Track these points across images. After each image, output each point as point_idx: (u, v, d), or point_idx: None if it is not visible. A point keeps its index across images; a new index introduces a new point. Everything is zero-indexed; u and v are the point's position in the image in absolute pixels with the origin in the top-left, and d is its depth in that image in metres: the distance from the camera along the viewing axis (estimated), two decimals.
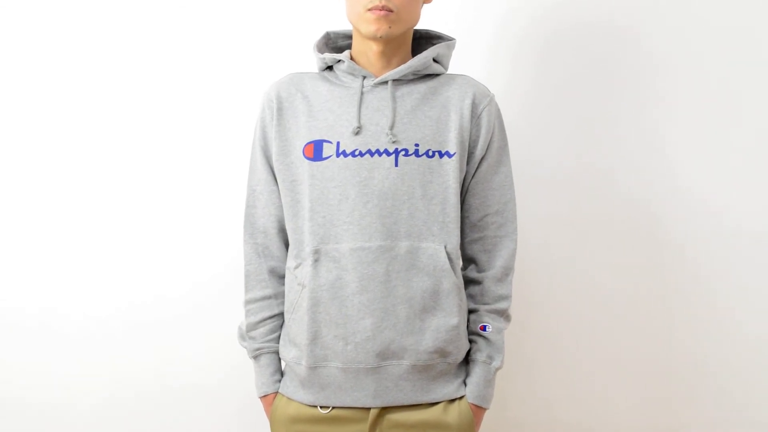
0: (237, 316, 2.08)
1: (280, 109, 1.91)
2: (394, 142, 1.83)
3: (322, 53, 1.95)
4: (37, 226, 2.39)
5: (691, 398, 2.45)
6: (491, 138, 1.91)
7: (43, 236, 2.40)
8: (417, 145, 1.84)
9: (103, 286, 2.41)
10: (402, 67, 1.87)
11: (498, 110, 1.94)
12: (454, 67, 2.03)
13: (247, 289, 1.96)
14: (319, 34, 1.99)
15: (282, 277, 1.95)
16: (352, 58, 1.93)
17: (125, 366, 2.41)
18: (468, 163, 1.91)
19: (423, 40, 2.02)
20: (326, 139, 1.85)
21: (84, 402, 2.41)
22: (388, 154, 1.83)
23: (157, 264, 2.41)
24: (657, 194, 2.42)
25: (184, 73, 2.39)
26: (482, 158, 1.91)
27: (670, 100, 2.40)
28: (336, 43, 2.02)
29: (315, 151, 1.86)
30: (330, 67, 1.95)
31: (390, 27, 1.81)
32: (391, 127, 1.84)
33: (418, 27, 2.02)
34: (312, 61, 2.02)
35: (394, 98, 1.87)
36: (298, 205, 1.88)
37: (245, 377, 2.18)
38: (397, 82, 1.88)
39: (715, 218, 2.42)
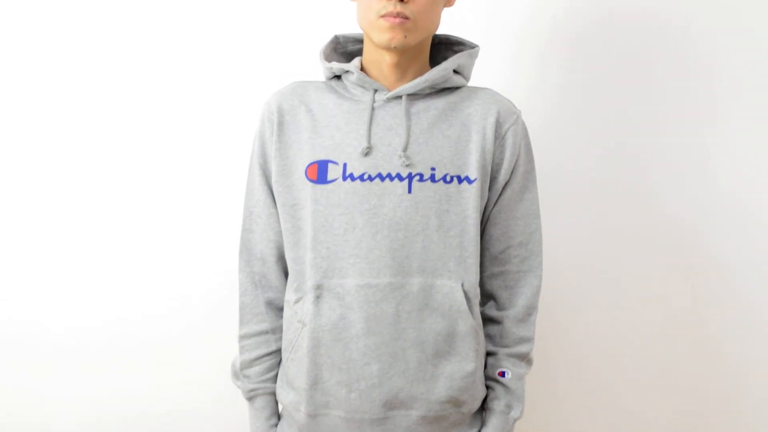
0: (232, 333, 1.87)
1: (281, 124, 1.71)
2: (407, 165, 1.63)
3: (329, 61, 1.74)
4: (21, 234, 2.20)
5: (726, 412, 2.28)
6: (516, 161, 1.71)
7: (28, 245, 2.21)
8: (433, 169, 1.64)
9: (90, 297, 2.21)
10: (418, 80, 1.66)
11: (525, 130, 1.74)
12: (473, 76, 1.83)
13: (241, 323, 1.77)
14: (327, 38, 1.78)
15: (281, 309, 1.76)
16: (362, 68, 1.72)
17: (112, 387, 2.23)
18: (490, 189, 1.70)
19: (442, 47, 1.81)
20: (332, 159, 1.65)
21: (68, 427, 2.23)
22: (401, 178, 1.63)
23: (148, 278, 2.22)
24: (700, 210, 2.22)
25: (183, 79, 2.18)
26: (506, 184, 1.71)
27: (723, 108, 2.19)
28: (346, 48, 1.81)
29: (319, 172, 1.66)
30: (338, 76, 1.75)
31: (406, 36, 1.60)
32: (405, 149, 1.63)
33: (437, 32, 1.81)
34: (319, 66, 1.81)
35: (408, 115, 1.66)
36: (299, 233, 1.68)
37: (239, 402, 1.99)
38: (413, 96, 1.68)
39: (759, 232, 2.21)
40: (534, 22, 2.17)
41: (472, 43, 1.78)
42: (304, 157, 1.68)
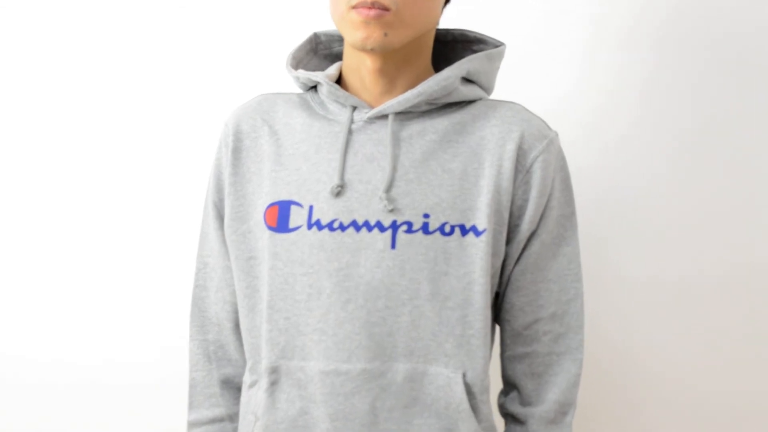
0: None
1: (237, 150, 1.31)
2: (391, 210, 1.20)
3: (300, 66, 1.32)
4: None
5: None
6: (548, 203, 1.25)
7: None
8: (427, 215, 1.20)
9: (84, 332, 1.86)
10: (409, 93, 1.22)
11: (561, 159, 1.27)
12: (517, 86, 1.36)
13: (191, 407, 1.37)
14: (302, 37, 1.36)
15: (240, 389, 1.36)
16: (340, 78, 1.30)
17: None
18: (510, 242, 1.25)
19: (459, 46, 1.36)
20: (295, 200, 1.24)
21: None
22: (382, 228, 1.20)
23: (143, 322, 1.86)
24: None
25: (178, 89, 1.81)
26: (532, 235, 1.26)
27: None
28: (330, 50, 1.39)
29: (280, 217, 1.25)
30: (316, 87, 1.33)
31: (386, 34, 1.16)
32: (388, 188, 1.20)
33: (450, 26, 1.36)
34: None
35: (396, 141, 1.23)
36: (255, 295, 1.28)
37: None
38: (403, 116, 1.25)
39: None
40: (611, 5, 1.68)
41: (496, 41, 1.33)
42: (263, 196, 1.27)
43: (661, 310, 1.73)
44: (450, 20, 1.40)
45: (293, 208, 1.24)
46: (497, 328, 1.34)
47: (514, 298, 1.27)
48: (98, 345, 1.85)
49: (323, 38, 1.37)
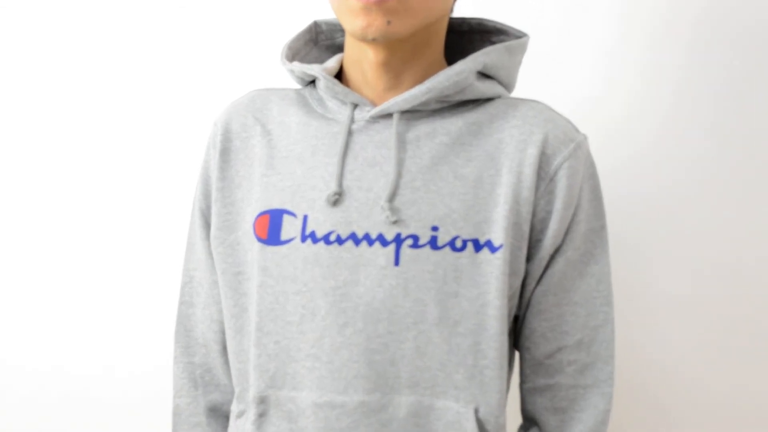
0: None
1: (226, 152, 1.17)
2: (394, 222, 1.05)
3: (296, 59, 1.18)
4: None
5: None
6: (574, 216, 1.10)
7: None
8: (435, 228, 1.05)
9: (80, 340, 1.73)
10: (417, 89, 1.08)
11: (590, 165, 1.12)
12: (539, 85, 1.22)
13: None
14: (301, 25, 1.22)
15: (228, 417, 1.22)
16: (341, 72, 1.15)
17: None
18: (530, 259, 1.10)
19: (477, 37, 1.21)
20: (288, 209, 1.10)
21: None
22: (384, 242, 1.05)
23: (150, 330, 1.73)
24: None
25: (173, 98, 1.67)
26: (557, 251, 1.10)
27: None
28: (333, 40, 1.25)
29: (271, 227, 1.11)
30: (315, 82, 1.19)
31: (389, 22, 1.01)
32: (391, 197, 1.06)
33: (466, 15, 1.21)
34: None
35: (402, 143, 1.08)
36: (243, 315, 1.14)
37: None
38: (410, 114, 1.10)
39: None
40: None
41: (519, 32, 1.17)
42: (253, 203, 1.13)
43: (701, 327, 1.56)
44: (466, 12, 1.25)
45: (286, 217, 1.10)
46: (517, 355, 1.19)
47: (535, 323, 1.12)
48: (96, 354, 1.73)
49: (324, 27, 1.22)
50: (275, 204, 1.11)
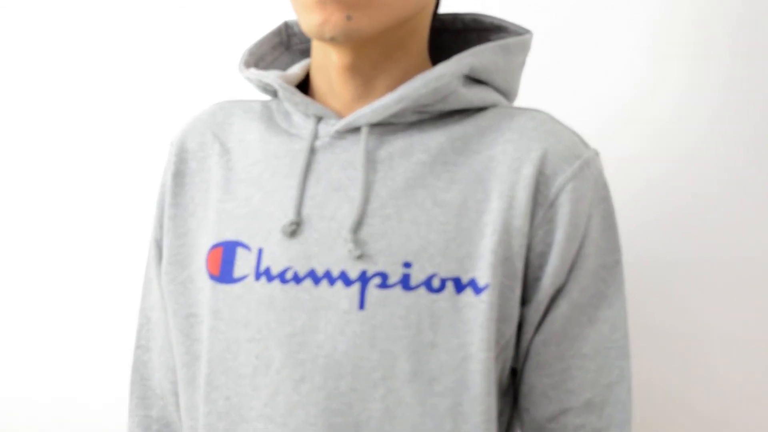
0: None
1: (179, 175, 1.01)
2: (359, 257, 0.88)
3: (252, 65, 1.01)
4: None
5: None
6: (581, 249, 0.90)
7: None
8: (408, 264, 0.87)
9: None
10: (388, 98, 0.90)
11: (600, 187, 0.92)
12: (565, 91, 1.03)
13: None
14: (266, 27, 1.06)
15: None
16: (306, 80, 0.99)
17: None
18: (527, 302, 0.91)
19: (474, 36, 1.03)
20: (242, 241, 0.93)
21: None
22: (348, 281, 0.88)
23: None
24: None
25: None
26: (559, 292, 0.91)
27: None
28: (308, 43, 1.08)
29: (223, 262, 0.95)
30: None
31: (349, 17, 0.84)
32: (356, 226, 0.88)
33: (458, 10, 1.03)
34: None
35: (371, 162, 0.91)
36: (195, 364, 0.98)
37: None
38: (383, 128, 0.92)
39: None
40: None
41: (520, 28, 0.99)
42: (207, 234, 0.97)
43: (759, 369, 1.33)
44: (472, 6, 1.08)
45: (239, 251, 0.93)
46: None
47: (535, 379, 0.93)
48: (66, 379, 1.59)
49: (297, 29, 1.06)
50: (229, 235, 0.94)
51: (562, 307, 0.90)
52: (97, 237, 1.54)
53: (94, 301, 1.55)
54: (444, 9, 1.19)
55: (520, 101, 1.10)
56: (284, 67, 1.05)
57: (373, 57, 0.91)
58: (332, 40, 0.85)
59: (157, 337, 1.06)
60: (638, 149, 1.28)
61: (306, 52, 1.07)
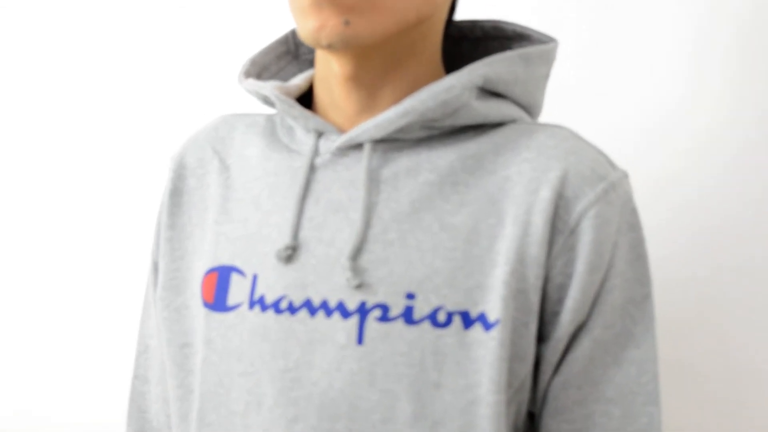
0: None
1: (177, 193, 0.95)
2: (359, 286, 0.80)
3: (251, 75, 0.94)
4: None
5: None
6: (605, 281, 0.81)
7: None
8: (411, 296, 0.79)
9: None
10: (392, 112, 0.82)
11: (628, 213, 0.83)
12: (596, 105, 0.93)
13: None
14: (273, 34, 0.99)
15: None
16: (310, 92, 0.92)
17: None
18: (544, 339, 0.83)
19: (495, 45, 0.95)
20: (237, 266, 0.87)
21: None
22: (345, 313, 0.80)
23: None
24: None
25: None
26: (580, 328, 0.82)
27: None
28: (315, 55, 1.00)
29: (218, 289, 0.88)
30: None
31: (347, 22, 0.77)
32: (355, 253, 0.81)
33: (475, 16, 0.95)
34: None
35: (374, 182, 0.84)
36: (189, 398, 0.91)
37: None
38: (388, 145, 0.85)
39: None
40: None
41: (544, 36, 0.90)
42: (203, 258, 0.90)
43: None
44: (496, 13, 0.99)
45: (234, 277, 0.86)
46: None
47: (554, 426, 0.83)
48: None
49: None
50: (224, 259, 0.88)
51: (584, 345, 0.81)
52: (92, 262, 1.49)
53: (91, 323, 1.49)
54: (462, 15, 1.11)
55: (545, 117, 1.01)
56: (290, 78, 0.98)
57: (377, 66, 0.83)
58: (329, 48, 0.78)
59: (155, 367, 0.99)
60: (674, 168, 1.17)
61: (308, 63, 1.00)
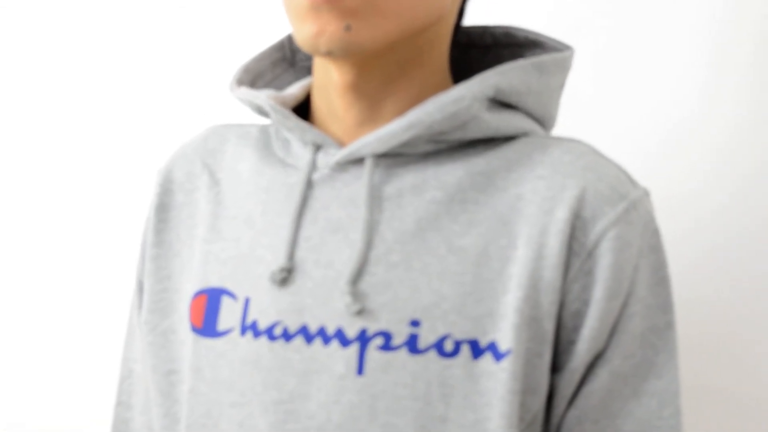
0: None
1: (163, 209, 0.89)
2: (359, 312, 0.74)
3: (244, 83, 0.88)
4: None
5: None
6: (625, 308, 0.76)
7: None
8: (416, 323, 0.74)
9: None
10: (396, 124, 0.76)
11: (650, 235, 0.78)
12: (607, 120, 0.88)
13: None
14: (269, 39, 0.93)
15: None
16: (307, 102, 0.86)
17: None
18: (559, 370, 0.77)
19: (506, 52, 0.89)
20: (228, 288, 0.81)
21: None
22: (345, 341, 0.75)
23: None
24: None
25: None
26: (598, 358, 0.76)
27: None
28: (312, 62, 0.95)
29: (207, 313, 0.82)
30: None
31: (348, 27, 0.71)
32: (355, 276, 0.75)
33: (487, 22, 0.89)
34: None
35: (376, 199, 0.78)
36: (176, 427, 0.86)
37: None
38: (392, 160, 0.79)
39: None
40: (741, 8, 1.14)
41: (558, 43, 0.85)
42: (191, 279, 0.84)
43: None
44: (508, 18, 0.94)
45: (225, 300, 0.81)
46: None
47: None
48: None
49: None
50: (214, 281, 0.82)
51: (602, 377, 0.75)
52: (84, 273, 1.44)
53: (83, 335, 1.45)
54: (471, 21, 1.06)
55: (558, 129, 0.95)
56: (286, 87, 0.92)
57: (380, 75, 0.77)
58: (329, 55, 0.72)
59: (139, 393, 0.93)
60: (693, 181, 1.12)
61: (305, 70, 0.94)
